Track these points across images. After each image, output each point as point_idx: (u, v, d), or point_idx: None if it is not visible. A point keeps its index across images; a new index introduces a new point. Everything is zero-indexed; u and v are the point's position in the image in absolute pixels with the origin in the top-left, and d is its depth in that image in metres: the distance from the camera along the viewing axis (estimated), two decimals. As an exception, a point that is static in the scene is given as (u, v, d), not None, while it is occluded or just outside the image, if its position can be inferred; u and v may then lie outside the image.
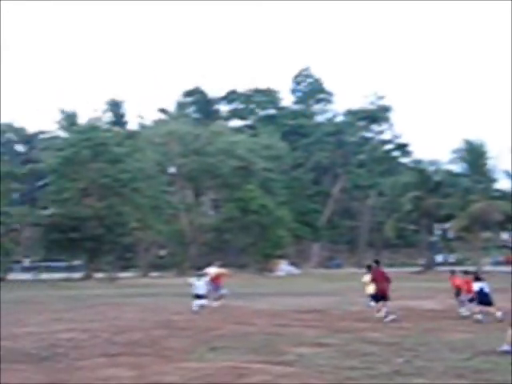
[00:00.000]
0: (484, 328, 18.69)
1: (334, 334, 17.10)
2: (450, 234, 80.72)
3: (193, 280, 25.41)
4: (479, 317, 21.05)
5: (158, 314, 23.10)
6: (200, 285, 24.70)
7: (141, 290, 39.96)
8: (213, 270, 27.86)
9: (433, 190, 71.13)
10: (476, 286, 21.66)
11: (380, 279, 21.82)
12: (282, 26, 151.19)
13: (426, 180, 71.58)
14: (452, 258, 78.26)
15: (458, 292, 23.78)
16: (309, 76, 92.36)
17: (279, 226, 66.89)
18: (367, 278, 23.83)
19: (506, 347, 14.25)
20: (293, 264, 68.18)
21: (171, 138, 67.55)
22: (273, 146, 73.38)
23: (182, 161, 68.47)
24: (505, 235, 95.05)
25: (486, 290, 21.51)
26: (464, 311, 22.60)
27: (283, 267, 65.87)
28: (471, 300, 22.25)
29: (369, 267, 24.34)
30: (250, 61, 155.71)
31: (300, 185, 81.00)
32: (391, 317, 20.35)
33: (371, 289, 22.81)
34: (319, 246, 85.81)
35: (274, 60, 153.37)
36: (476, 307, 21.63)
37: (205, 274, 26.36)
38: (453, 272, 25.70)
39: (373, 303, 22.79)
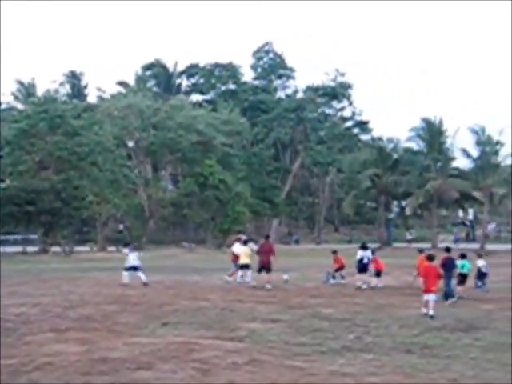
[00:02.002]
0: (436, 305, 18.91)
1: (287, 310, 17.18)
2: (408, 212, 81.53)
3: (125, 251, 25.91)
4: (359, 283, 23.68)
5: (112, 288, 22.89)
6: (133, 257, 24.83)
7: (97, 265, 39.62)
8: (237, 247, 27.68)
9: (391, 168, 71.60)
10: (358, 255, 23.22)
11: (264, 252, 23.95)
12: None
13: (385, 157, 71.99)
14: (409, 235, 79.09)
15: (338, 269, 26.14)
16: (270, 51, 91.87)
17: (238, 201, 66.80)
18: (237, 248, 26.55)
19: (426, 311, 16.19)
20: (251, 240, 68.12)
21: (130, 111, 66.67)
22: (233, 122, 72.92)
23: (141, 135, 67.79)
24: (461, 213, 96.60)
25: (366, 260, 23.88)
26: (333, 282, 25.56)
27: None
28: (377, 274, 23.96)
29: (245, 242, 27.39)
30: (211, 35, 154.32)
31: (259, 161, 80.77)
32: (268, 286, 22.77)
33: (243, 260, 25.10)
34: (278, 222, 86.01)
35: (235, 35, 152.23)
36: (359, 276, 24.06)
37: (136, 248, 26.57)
38: (335, 252, 27.26)
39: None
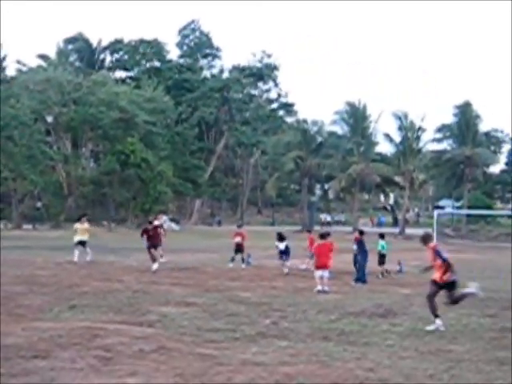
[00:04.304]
0: (354, 289, 18.73)
1: (203, 293, 16.59)
2: (330, 195, 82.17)
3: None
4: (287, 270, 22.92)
5: (21, 268, 21.80)
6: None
7: (10, 243, 38.01)
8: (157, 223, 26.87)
9: (315, 151, 71.91)
10: (282, 245, 22.84)
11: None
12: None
13: (309, 140, 72.20)
14: (331, 218, 79.80)
15: (238, 249, 25.18)
16: (196, 29, 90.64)
17: (160, 180, 65.75)
18: (75, 227, 25.95)
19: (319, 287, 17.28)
20: (173, 220, 67.17)
21: (49, 85, 64.35)
22: (156, 99, 71.41)
23: (61, 110, 65.64)
24: (382, 197, 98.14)
25: (289, 247, 23.47)
26: (232, 266, 24.42)
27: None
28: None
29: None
30: (136, 11, 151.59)
31: (183, 140, 79.60)
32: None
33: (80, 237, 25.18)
34: (201, 203, 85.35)
35: (161, 11, 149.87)
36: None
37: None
38: (240, 225, 27.34)
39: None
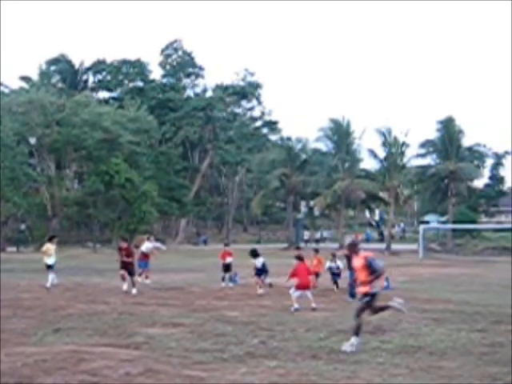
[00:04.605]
0: (341, 306, 18.61)
1: (190, 313, 16.39)
2: (316, 212, 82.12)
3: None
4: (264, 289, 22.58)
5: (4, 292, 21.49)
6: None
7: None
8: (146, 246, 26.35)
9: (300, 168, 71.97)
10: (258, 262, 22.64)
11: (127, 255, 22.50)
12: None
13: (294, 157, 72.28)
14: (317, 235, 79.76)
15: (227, 268, 25.20)
16: (178, 49, 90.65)
17: (145, 200, 65.55)
18: (46, 247, 24.10)
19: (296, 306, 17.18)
20: (158, 240, 66.66)
21: (32, 107, 64.19)
22: (140, 119, 71.30)
23: (44, 131, 65.37)
24: (367, 214, 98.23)
25: (266, 264, 23.04)
26: (225, 286, 24.44)
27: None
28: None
29: None
30: (119, 31, 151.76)
31: (167, 159, 79.41)
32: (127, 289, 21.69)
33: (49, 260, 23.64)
34: (186, 222, 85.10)
35: (143, 31, 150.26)
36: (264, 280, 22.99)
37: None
38: (227, 244, 28.54)
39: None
